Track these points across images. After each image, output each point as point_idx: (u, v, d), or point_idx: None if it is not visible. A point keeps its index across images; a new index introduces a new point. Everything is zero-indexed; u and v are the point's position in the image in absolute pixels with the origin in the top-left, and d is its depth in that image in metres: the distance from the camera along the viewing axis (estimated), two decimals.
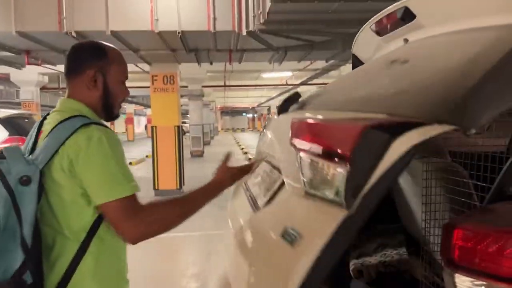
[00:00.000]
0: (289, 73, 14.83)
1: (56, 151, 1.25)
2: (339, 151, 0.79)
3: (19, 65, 9.23)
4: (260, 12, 5.07)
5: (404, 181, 1.94)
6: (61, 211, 1.29)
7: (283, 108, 2.20)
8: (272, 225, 0.99)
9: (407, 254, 1.94)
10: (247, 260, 1.28)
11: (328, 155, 0.82)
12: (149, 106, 17.78)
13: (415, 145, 0.72)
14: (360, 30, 1.90)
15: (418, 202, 1.78)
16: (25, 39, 6.45)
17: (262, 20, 5.11)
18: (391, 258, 1.93)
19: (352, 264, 2.01)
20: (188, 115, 17.66)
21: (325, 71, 11.70)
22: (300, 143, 0.95)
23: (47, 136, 1.30)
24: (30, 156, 1.30)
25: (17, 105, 15.25)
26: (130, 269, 1.48)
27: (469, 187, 1.50)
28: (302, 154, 0.95)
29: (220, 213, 2.63)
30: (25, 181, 1.20)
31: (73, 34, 6.19)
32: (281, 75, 15.31)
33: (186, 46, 7.55)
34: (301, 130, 1.01)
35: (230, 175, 1.52)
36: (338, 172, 0.78)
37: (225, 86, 17.33)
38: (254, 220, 1.38)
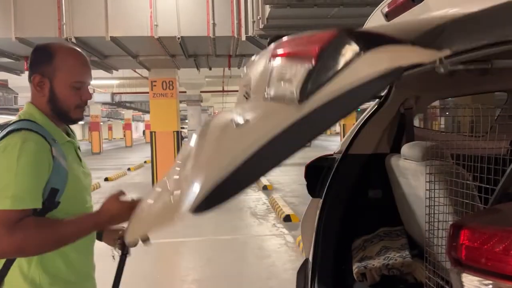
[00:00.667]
0: None
1: None
2: (308, 51, 0.75)
3: (18, 71, 9.24)
4: (259, 18, 5.11)
5: (406, 185, 1.96)
6: None
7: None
8: (228, 119, 0.93)
9: (411, 257, 1.95)
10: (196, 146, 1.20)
11: (297, 59, 0.78)
12: (147, 112, 17.78)
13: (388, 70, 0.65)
14: (372, 14, 1.89)
15: (421, 205, 1.79)
16: (24, 45, 6.47)
17: (261, 26, 5.14)
18: (395, 261, 1.94)
19: (355, 267, 2.02)
20: (187, 120, 17.66)
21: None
22: (276, 58, 0.90)
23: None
24: None
25: (15, 111, 15.23)
26: (130, 274, 1.41)
27: (472, 189, 1.52)
28: (274, 64, 0.90)
29: (222, 217, 2.62)
30: None
31: (73, 40, 6.21)
32: None
33: (185, 51, 7.58)
34: (278, 46, 0.97)
35: (116, 210, 1.37)
36: (300, 68, 0.73)
37: (223, 91, 17.37)
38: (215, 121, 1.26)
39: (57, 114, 1.41)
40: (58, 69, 1.37)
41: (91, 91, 1.55)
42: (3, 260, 1.29)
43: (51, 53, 1.38)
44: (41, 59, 1.39)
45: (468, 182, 1.50)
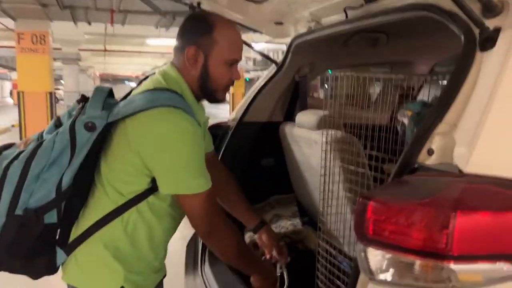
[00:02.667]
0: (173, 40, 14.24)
1: (132, 114, 1.16)
2: None
3: None
4: None
5: (299, 153, 1.95)
6: (111, 170, 1.22)
7: None
8: None
9: (302, 224, 1.97)
10: None
11: None
12: (14, 69, 15.70)
13: None
14: None
15: (313, 173, 1.80)
16: None
17: None
18: (286, 229, 1.95)
19: (247, 236, 1.98)
20: (62, 81, 16.05)
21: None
22: None
23: (139, 93, 1.22)
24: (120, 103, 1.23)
25: None
26: None
27: (363, 157, 1.55)
28: None
29: None
30: (89, 127, 1.16)
31: None
32: (168, 43, 14.66)
33: (59, 0, 6.71)
34: None
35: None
36: None
37: (105, 50, 16.05)
38: None
39: (203, 92, 1.28)
40: (216, 43, 1.22)
41: None
42: (99, 216, 1.23)
43: (211, 25, 1.23)
44: (199, 29, 1.23)
45: (361, 152, 1.52)
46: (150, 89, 1.20)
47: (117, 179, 1.21)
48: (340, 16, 1.70)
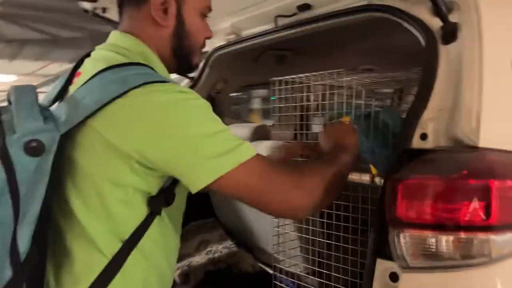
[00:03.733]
0: (14, 77, 12.58)
1: (96, 111, 0.78)
2: None
3: None
4: None
5: None
6: (89, 205, 0.82)
7: None
8: None
9: (236, 246, 1.84)
10: None
11: None
12: None
13: None
14: None
15: None
16: None
17: None
18: (220, 253, 1.79)
19: (177, 268, 1.77)
20: None
21: (56, 77, 10.54)
22: None
23: (85, 83, 0.84)
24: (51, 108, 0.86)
25: None
26: None
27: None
28: None
29: None
30: (33, 148, 0.74)
31: None
32: (4, 80, 12.59)
33: None
34: None
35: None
36: None
37: None
38: None
39: (177, 58, 0.96)
40: None
41: None
42: (96, 274, 0.81)
43: None
44: None
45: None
46: (106, 69, 0.83)
47: (101, 216, 0.82)
48: (267, 27, 1.69)
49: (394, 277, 0.87)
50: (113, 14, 1.78)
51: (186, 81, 2.05)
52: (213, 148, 0.79)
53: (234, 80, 2.16)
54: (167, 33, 0.94)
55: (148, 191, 0.84)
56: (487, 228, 0.75)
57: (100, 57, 0.92)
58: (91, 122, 0.79)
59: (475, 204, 0.74)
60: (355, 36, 1.90)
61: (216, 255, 1.78)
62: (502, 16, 1.11)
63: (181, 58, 0.98)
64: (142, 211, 0.84)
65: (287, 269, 1.54)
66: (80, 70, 0.91)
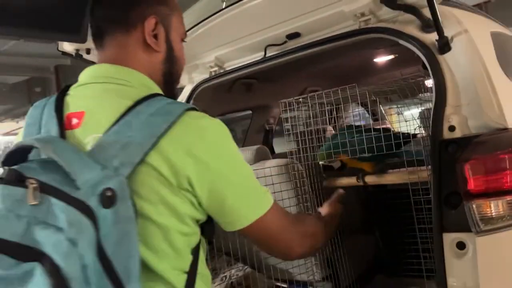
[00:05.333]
0: None
1: (151, 148, 0.74)
2: None
3: None
4: None
5: None
6: (153, 244, 0.77)
7: None
8: None
9: (248, 267, 1.88)
10: None
11: None
12: None
13: None
14: None
15: None
16: None
17: None
18: (237, 276, 1.81)
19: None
20: None
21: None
22: None
23: (116, 122, 0.76)
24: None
25: None
26: None
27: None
28: None
29: None
30: (109, 198, 0.68)
31: None
32: None
33: None
34: None
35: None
36: None
37: None
38: None
39: (166, 84, 0.94)
40: (174, 10, 0.96)
41: None
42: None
43: None
44: None
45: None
46: (136, 104, 0.78)
47: (168, 253, 0.79)
48: (249, 58, 1.82)
49: (461, 245, 1.04)
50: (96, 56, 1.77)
51: None
52: (255, 191, 0.85)
53: (212, 110, 2.24)
54: (159, 59, 0.93)
55: (200, 218, 0.83)
56: None
57: (106, 92, 0.84)
58: (146, 158, 0.75)
59: None
60: (308, 61, 2.05)
61: (233, 279, 1.80)
62: (477, 25, 1.39)
63: (168, 84, 0.96)
64: (196, 239, 0.83)
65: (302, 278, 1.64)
66: (81, 109, 0.82)
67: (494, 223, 0.97)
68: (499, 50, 1.35)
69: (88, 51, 1.71)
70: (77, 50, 1.70)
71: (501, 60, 1.28)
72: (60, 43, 1.65)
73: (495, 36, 1.43)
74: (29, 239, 0.62)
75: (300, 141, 1.68)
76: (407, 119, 1.58)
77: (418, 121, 1.62)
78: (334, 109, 2.56)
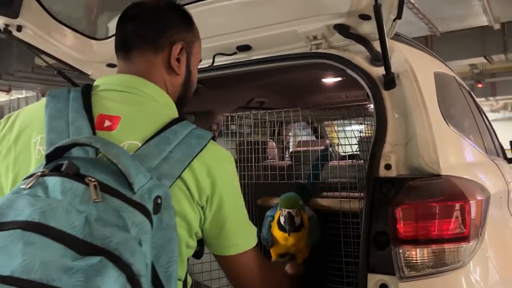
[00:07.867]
0: None
1: (186, 167, 0.81)
2: None
3: None
4: None
5: None
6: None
7: None
8: None
9: None
10: None
11: None
12: None
13: None
14: None
15: None
16: None
17: None
18: None
19: None
20: None
21: None
22: None
23: (155, 135, 0.82)
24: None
25: None
26: None
27: None
28: None
29: None
30: (158, 205, 0.72)
31: None
32: None
33: None
34: None
35: None
36: None
37: None
38: None
39: (178, 106, 0.94)
40: (197, 38, 1.01)
41: None
42: None
43: (190, 16, 1.00)
44: (184, 23, 0.98)
45: None
46: (172, 123, 0.84)
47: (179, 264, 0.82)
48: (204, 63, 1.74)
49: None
50: (28, 35, 1.59)
51: None
52: (249, 223, 0.94)
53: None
54: (179, 82, 0.98)
55: (199, 237, 0.89)
56: (467, 238, 0.97)
57: (141, 104, 0.88)
58: (182, 174, 0.81)
59: (459, 220, 0.96)
60: (257, 74, 2.01)
61: None
62: (423, 64, 1.41)
63: (180, 107, 0.99)
64: (191, 251, 0.89)
65: None
66: (115, 114, 0.85)
67: (418, 270, 0.97)
68: (441, 93, 1.38)
69: (19, 28, 1.55)
70: (7, 25, 1.53)
71: (441, 104, 1.30)
72: None
73: (438, 77, 1.46)
74: (87, 235, 0.64)
75: (238, 158, 1.63)
76: (348, 137, 1.58)
77: (356, 146, 1.61)
78: (277, 127, 2.54)
